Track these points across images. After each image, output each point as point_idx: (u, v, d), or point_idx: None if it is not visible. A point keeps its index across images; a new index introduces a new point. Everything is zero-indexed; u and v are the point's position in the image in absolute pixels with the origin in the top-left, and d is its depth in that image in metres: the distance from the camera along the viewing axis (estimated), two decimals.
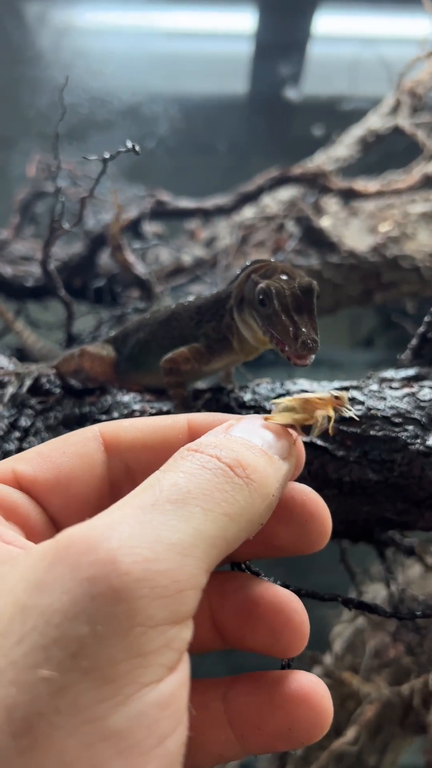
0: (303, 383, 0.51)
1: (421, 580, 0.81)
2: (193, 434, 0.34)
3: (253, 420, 0.33)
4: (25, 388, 0.51)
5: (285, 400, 0.35)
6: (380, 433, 0.47)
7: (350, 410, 0.35)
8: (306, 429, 0.35)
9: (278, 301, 0.41)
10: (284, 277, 0.42)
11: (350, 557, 0.65)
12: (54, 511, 0.32)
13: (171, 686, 0.21)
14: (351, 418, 0.47)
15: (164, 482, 0.26)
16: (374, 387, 0.49)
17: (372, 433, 0.47)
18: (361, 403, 0.48)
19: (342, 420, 0.47)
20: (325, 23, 1.46)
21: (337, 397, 0.35)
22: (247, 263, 0.47)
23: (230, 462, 0.28)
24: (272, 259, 0.47)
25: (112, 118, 1.30)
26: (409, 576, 0.80)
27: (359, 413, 0.47)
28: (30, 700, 0.19)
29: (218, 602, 0.34)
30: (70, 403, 0.51)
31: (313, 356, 0.40)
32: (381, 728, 0.76)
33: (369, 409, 0.48)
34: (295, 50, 1.44)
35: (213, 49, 1.49)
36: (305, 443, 0.47)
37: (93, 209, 0.92)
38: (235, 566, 0.45)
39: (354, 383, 0.50)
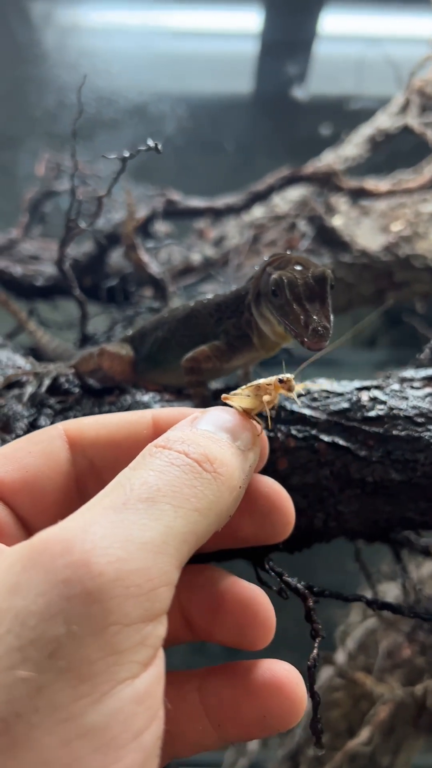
0: (323, 382, 0.51)
1: None
2: (158, 429, 0.34)
3: (217, 412, 0.33)
4: (44, 388, 0.51)
5: (240, 390, 0.36)
6: (403, 433, 0.46)
7: (298, 393, 0.36)
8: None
9: (290, 291, 0.41)
10: (298, 268, 0.43)
11: (356, 557, 0.65)
12: (22, 512, 0.32)
13: (146, 682, 0.22)
14: (376, 417, 0.47)
15: (134, 481, 0.26)
16: (396, 386, 0.49)
17: (395, 432, 0.46)
18: (383, 402, 0.48)
19: (364, 420, 0.47)
20: (331, 22, 1.46)
21: (282, 380, 0.35)
22: (266, 258, 0.47)
23: (198, 457, 0.28)
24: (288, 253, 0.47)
25: (119, 117, 1.30)
26: (422, 575, 0.80)
27: (381, 413, 0.47)
28: (8, 700, 0.19)
29: (187, 597, 0.34)
30: (89, 403, 0.51)
31: (326, 342, 0.40)
32: (394, 729, 0.76)
33: (391, 408, 0.47)
34: (301, 49, 1.44)
35: (219, 48, 1.49)
36: (327, 444, 0.47)
37: (103, 208, 0.92)
38: (258, 565, 0.45)
39: (375, 383, 0.50)
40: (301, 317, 0.41)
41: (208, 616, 0.33)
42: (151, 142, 0.46)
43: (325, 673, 0.81)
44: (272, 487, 0.36)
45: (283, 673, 0.32)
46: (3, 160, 1.28)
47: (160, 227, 0.96)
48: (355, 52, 1.38)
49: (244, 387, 0.36)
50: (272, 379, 0.35)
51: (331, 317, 0.42)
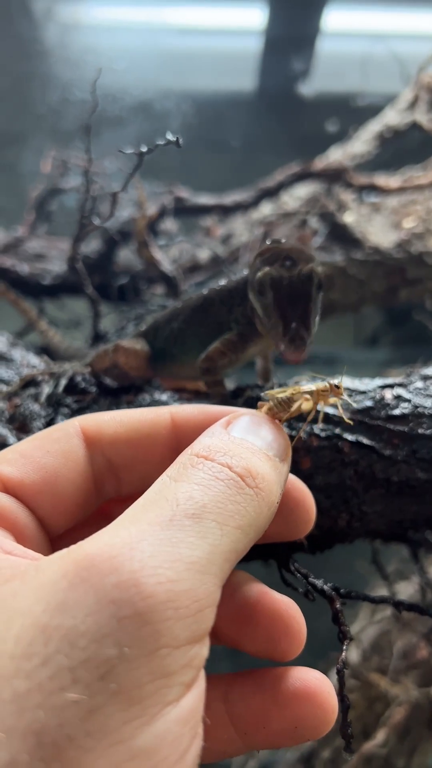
0: (345, 381, 0.50)
1: None
2: (177, 428, 0.34)
3: (252, 419, 0.32)
4: (61, 388, 0.50)
5: (277, 393, 0.34)
6: (428, 431, 0.46)
7: (347, 399, 0.35)
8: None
9: (273, 293, 0.40)
10: (288, 263, 0.41)
11: (362, 558, 0.64)
12: (41, 513, 0.31)
13: (190, 702, 0.22)
14: (401, 416, 0.46)
15: (179, 494, 0.26)
16: (419, 384, 0.48)
17: (420, 431, 0.46)
18: (408, 400, 0.47)
19: (388, 418, 0.46)
20: (335, 19, 1.45)
21: (336, 386, 0.34)
22: (267, 242, 0.46)
23: (241, 471, 0.28)
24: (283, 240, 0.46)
25: (123, 114, 1.29)
26: None
27: (406, 411, 0.46)
28: (59, 723, 0.19)
29: None
30: (106, 402, 0.50)
31: (304, 354, 0.39)
32: (410, 730, 0.75)
33: (416, 406, 0.47)
34: (306, 46, 1.43)
35: (223, 45, 1.48)
36: (351, 443, 0.46)
37: (117, 205, 0.91)
38: (283, 566, 0.44)
39: (398, 380, 0.49)
40: (281, 324, 0.40)
41: (237, 626, 0.33)
42: (170, 136, 0.45)
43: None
44: (294, 484, 0.36)
45: (314, 682, 0.31)
46: (7, 157, 1.27)
47: (169, 225, 0.95)
48: (359, 49, 1.37)
49: (282, 390, 0.35)
50: (323, 385, 0.34)
51: (314, 324, 0.41)
